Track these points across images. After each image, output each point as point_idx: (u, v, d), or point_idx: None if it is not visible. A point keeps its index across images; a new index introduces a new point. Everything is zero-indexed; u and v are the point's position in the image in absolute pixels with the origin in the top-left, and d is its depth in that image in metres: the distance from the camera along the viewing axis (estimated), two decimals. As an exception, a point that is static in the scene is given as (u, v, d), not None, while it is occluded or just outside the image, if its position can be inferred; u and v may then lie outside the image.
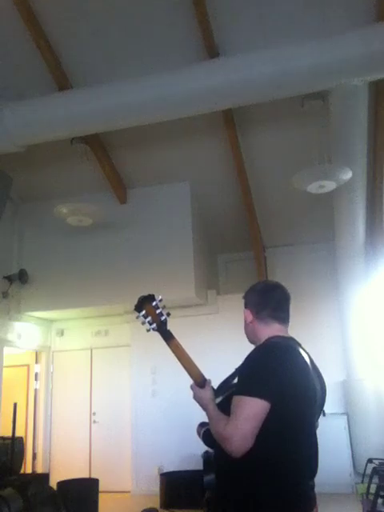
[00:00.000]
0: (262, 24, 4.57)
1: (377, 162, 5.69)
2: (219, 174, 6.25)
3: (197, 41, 4.67)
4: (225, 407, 1.55)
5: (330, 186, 4.85)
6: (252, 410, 1.45)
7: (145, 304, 1.75)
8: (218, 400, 1.65)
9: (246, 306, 1.78)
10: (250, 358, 1.58)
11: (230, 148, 5.61)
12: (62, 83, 5.02)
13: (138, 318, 1.77)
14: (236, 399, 1.50)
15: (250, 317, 1.74)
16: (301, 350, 1.65)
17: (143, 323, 1.75)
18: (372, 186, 5.94)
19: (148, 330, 1.76)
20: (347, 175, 4.72)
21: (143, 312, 1.74)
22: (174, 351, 1.71)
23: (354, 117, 4.80)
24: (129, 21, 4.64)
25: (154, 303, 1.75)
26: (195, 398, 1.69)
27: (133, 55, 4.89)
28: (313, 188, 4.88)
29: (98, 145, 5.76)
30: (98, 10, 4.61)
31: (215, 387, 1.72)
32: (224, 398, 1.64)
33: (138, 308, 1.75)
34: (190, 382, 1.72)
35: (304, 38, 4.15)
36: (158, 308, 1.75)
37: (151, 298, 1.76)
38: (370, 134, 5.18)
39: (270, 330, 1.70)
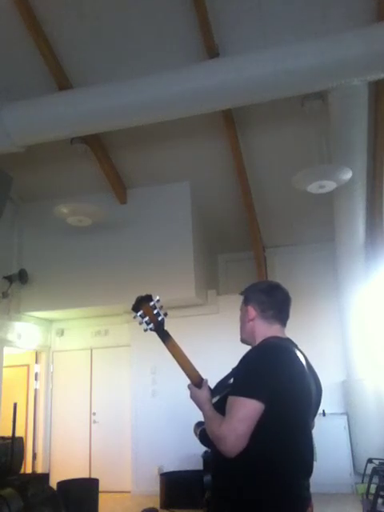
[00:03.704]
0: (262, 24, 4.56)
1: (377, 162, 5.69)
2: (219, 174, 6.25)
3: (197, 41, 4.67)
4: (221, 407, 1.56)
5: (330, 185, 4.85)
6: (246, 411, 1.45)
7: (142, 304, 1.76)
8: (215, 400, 1.65)
9: (248, 303, 1.77)
10: (246, 359, 1.58)
11: (230, 148, 5.61)
12: (62, 83, 5.02)
13: (135, 318, 1.77)
14: (231, 400, 1.50)
15: (253, 314, 1.74)
16: (297, 351, 1.65)
17: (140, 323, 1.75)
18: (372, 185, 5.94)
19: (145, 330, 1.76)
20: (347, 175, 4.72)
21: (141, 312, 1.75)
22: (171, 351, 1.71)
23: (354, 117, 4.79)
24: (129, 21, 4.64)
25: (151, 303, 1.75)
26: (192, 397, 1.69)
27: (133, 55, 4.89)
28: (313, 188, 4.88)
29: (97, 145, 5.76)
30: (98, 10, 4.61)
31: (213, 387, 1.72)
32: (220, 397, 1.65)
33: (136, 308, 1.76)
34: (189, 381, 1.72)
35: (304, 37, 4.15)
36: (156, 308, 1.75)
37: (148, 298, 1.77)
38: (370, 133, 5.18)
39: (269, 330, 1.71)
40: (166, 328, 1.75)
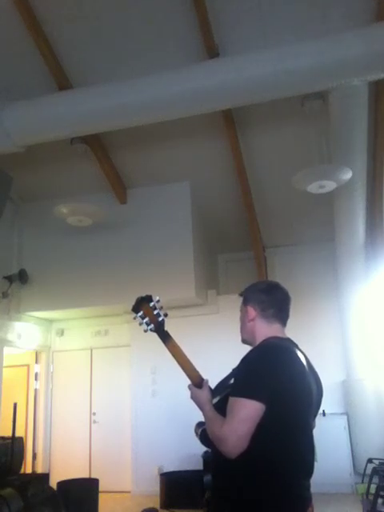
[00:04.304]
0: (262, 24, 4.56)
1: (377, 162, 5.69)
2: (219, 174, 6.25)
3: (197, 41, 4.67)
4: (221, 407, 1.56)
5: (330, 185, 4.85)
6: (247, 412, 1.45)
7: (142, 305, 1.76)
8: (215, 400, 1.65)
9: (248, 303, 1.76)
10: (246, 359, 1.58)
11: (230, 148, 5.61)
12: (62, 83, 5.02)
13: (135, 318, 1.77)
14: (232, 400, 1.50)
15: (253, 314, 1.73)
16: (297, 351, 1.65)
17: (141, 324, 1.75)
18: (372, 185, 5.94)
19: (145, 331, 1.76)
20: (347, 175, 4.72)
21: (141, 313, 1.75)
22: (171, 352, 1.71)
23: (354, 117, 4.79)
24: (129, 21, 4.64)
25: (151, 304, 1.75)
26: (192, 398, 1.69)
27: (133, 55, 4.89)
28: (313, 188, 4.88)
29: (97, 145, 5.76)
30: (98, 10, 4.61)
31: (213, 387, 1.72)
32: (221, 398, 1.64)
33: (136, 309, 1.76)
34: (189, 382, 1.72)
35: (304, 37, 4.15)
36: (156, 309, 1.75)
37: (149, 298, 1.76)
38: (370, 133, 5.18)
39: (269, 330, 1.71)
40: (166, 328, 1.75)
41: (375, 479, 4.86)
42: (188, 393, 1.72)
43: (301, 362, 1.61)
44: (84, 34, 4.82)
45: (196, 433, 1.77)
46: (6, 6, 4.44)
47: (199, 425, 1.75)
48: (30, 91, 4.93)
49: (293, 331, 1.88)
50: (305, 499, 1.54)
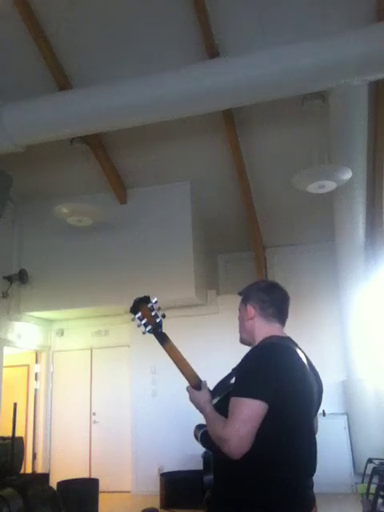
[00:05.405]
0: (262, 24, 4.56)
1: (377, 162, 5.69)
2: (219, 174, 6.25)
3: (197, 41, 4.67)
4: (222, 408, 1.55)
5: (330, 185, 4.85)
6: (250, 412, 1.44)
7: (140, 306, 1.75)
8: (215, 401, 1.64)
9: (248, 301, 1.76)
10: (247, 359, 1.57)
11: (230, 148, 5.61)
12: (62, 83, 5.02)
13: (133, 320, 1.76)
14: (233, 400, 1.49)
15: (253, 313, 1.73)
16: (298, 350, 1.64)
17: (139, 326, 1.75)
18: (372, 186, 5.94)
19: (144, 333, 1.75)
20: (347, 175, 4.72)
21: (139, 314, 1.74)
22: (168, 353, 1.71)
23: (353, 117, 4.80)
24: (129, 21, 4.64)
25: (149, 305, 1.75)
26: (191, 399, 1.69)
27: (133, 55, 4.89)
28: (313, 188, 4.88)
29: (97, 145, 5.76)
30: (98, 10, 4.61)
31: (213, 387, 1.72)
32: (221, 398, 1.64)
33: (134, 310, 1.76)
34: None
35: (304, 38, 4.15)
36: (153, 310, 1.75)
37: (146, 299, 1.76)
38: (370, 134, 5.18)
39: (269, 329, 1.71)
40: (165, 328, 1.75)
41: (375, 479, 4.85)
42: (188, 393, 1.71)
43: (301, 360, 1.60)
44: (84, 34, 4.82)
45: (196, 436, 1.74)
46: (7, 6, 4.44)
47: (199, 427, 1.74)
48: (30, 91, 4.93)
49: (293, 331, 1.88)
50: (308, 499, 1.54)
